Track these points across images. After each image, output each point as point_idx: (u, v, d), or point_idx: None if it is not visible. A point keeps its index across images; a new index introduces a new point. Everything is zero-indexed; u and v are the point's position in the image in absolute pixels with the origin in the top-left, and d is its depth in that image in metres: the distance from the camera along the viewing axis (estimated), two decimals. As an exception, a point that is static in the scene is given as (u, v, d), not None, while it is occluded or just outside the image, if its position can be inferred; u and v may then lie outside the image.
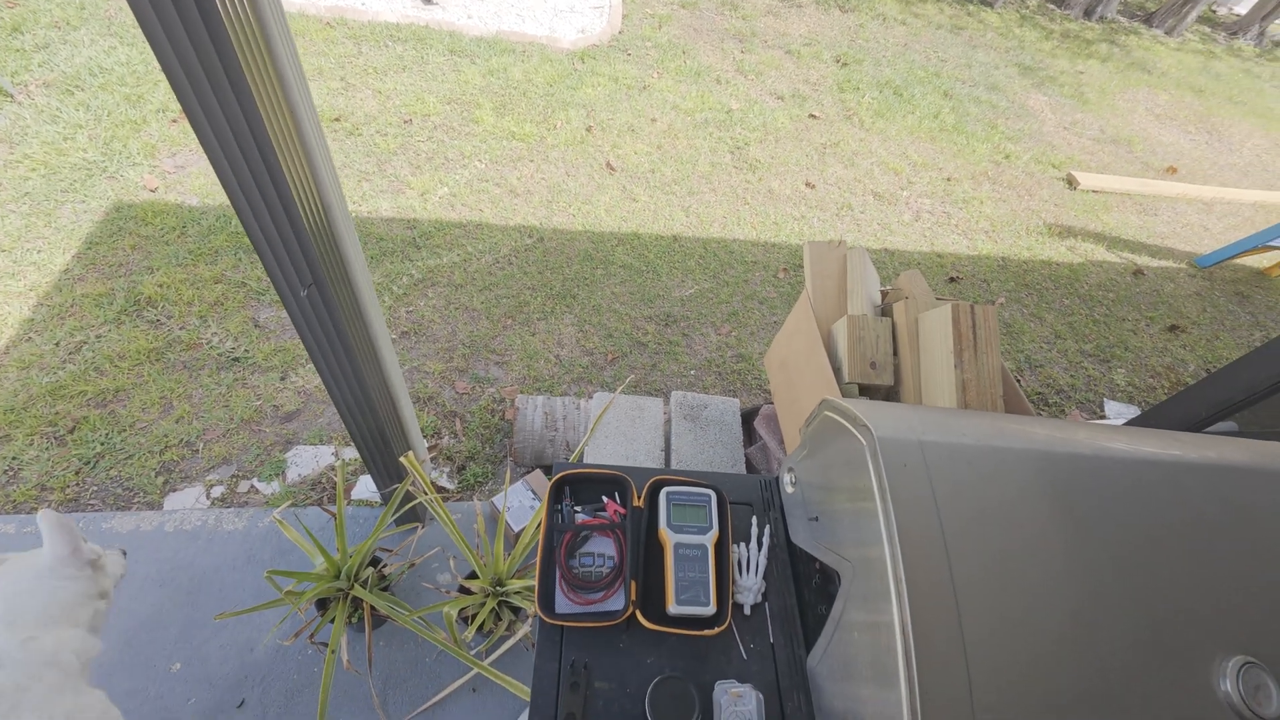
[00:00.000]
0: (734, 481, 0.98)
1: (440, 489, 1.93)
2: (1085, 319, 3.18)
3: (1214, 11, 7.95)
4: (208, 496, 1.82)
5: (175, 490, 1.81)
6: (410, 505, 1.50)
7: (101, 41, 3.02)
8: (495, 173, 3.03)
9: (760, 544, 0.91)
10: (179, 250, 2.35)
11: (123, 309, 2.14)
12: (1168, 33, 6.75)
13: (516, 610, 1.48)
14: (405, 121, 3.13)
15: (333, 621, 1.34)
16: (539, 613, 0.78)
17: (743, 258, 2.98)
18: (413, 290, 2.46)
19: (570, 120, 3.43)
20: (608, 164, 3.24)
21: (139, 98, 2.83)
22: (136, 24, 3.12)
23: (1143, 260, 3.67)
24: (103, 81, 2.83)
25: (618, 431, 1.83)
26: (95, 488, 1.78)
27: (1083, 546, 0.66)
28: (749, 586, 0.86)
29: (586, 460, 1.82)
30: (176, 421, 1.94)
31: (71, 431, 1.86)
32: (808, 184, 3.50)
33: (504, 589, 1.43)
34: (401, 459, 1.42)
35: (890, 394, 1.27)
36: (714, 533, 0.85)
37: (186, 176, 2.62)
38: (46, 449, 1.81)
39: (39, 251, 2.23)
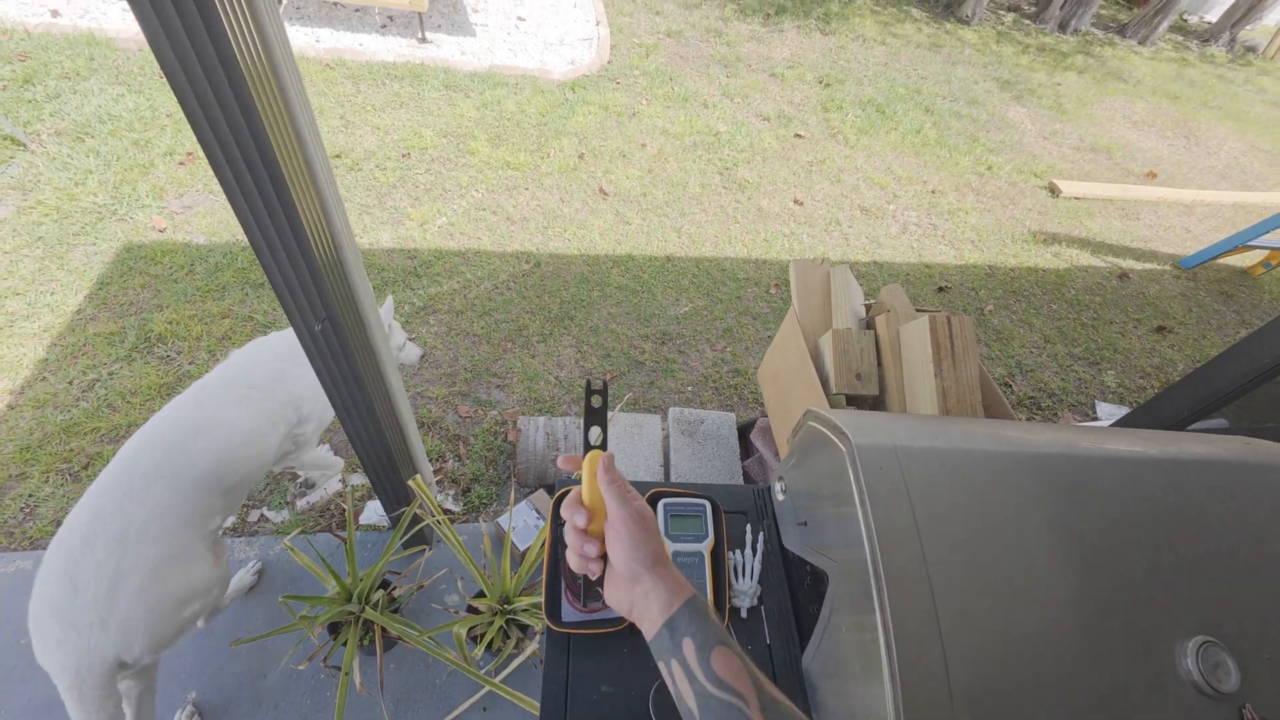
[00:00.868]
0: (728, 492, 1.03)
1: (447, 511, 1.97)
2: (1073, 323, 3.25)
3: (1185, 20, 8.18)
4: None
5: (187, 522, 1.85)
6: (418, 528, 1.54)
7: (110, 90, 3.14)
8: (492, 201, 3.12)
9: (755, 550, 0.96)
10: (187, 287, 2.42)
11: (134, 346, 2.21)
12: (1141, 43, 6.95)
13: (525, 628, 1.51)
14: (403, 155, 3.24)
15: (345, 645, 1.37)
16: (546, 621, 0.82)
17: (735, 275, 3.06)
18: (415, 318, 2.53)
19: (563, 148, 3.54)
20: (600, 189, 3.34)
21: (147, 142, 2.93)
22: (143, 72, 3.22)
23: (1127, 264, 3.76)
24: (112, 128, 2.94)
25: (618, 448, 1.88)
26: (110, 522, 1.82)
27: (1048, 538, 0.71)
28: (745, 590, 0.90)
29: (588, 478, 1.86)
30: (188, 454, 1.98)
31: (85, 467, 1.90)
32: (796, 201, 3.60)
33: (511, 607, 1.46)
34: (409, 482, 1.47)
35: (876, 403, 1.32)
36: (710, 540, 0.90)
37: (193, 216, 2.70)
38: (61, 485, 1.86)
39: (52, 293, 2.30)
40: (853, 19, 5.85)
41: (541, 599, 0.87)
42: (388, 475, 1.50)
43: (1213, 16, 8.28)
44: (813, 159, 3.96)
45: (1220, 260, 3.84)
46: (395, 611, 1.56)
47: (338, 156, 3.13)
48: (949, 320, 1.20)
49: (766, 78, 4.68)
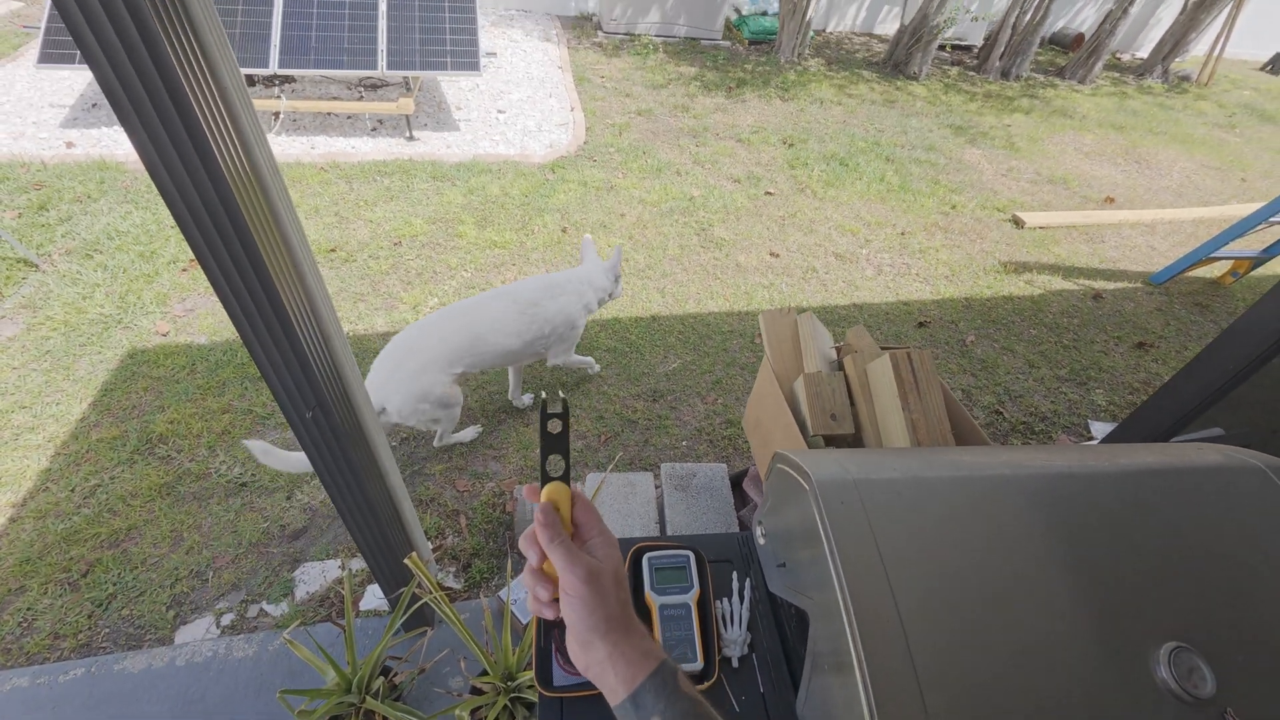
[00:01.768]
0: (712, 541, 1.05)
1: (447, 589, 1.95)
2: (1055, 346, 3.32)
3: (1119, 59, 8.78)
4: (218, 625, 1.83)
5: (186, 623, 1.83)
6: (417, 607, 1.53)
7: (119, 208, 3.35)
8: (481, 279, 3.26)
9: (742, 597, 0.97)
10: (189, 386, 2.50)
11: (135, 449, 2.25)
12: (1080, 82, 7.43)
13: (530, 705, 1.47)
14: (395, 244, 3.41)
15: (346, 738, 1.34)
16: (537, 688, 0.83)
17: (719, 328, 3.15)
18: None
19: (546, 224, 3.74)
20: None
21: (152, 253, 3.10)
22: (150, 190, 3.46)
23: (1099, 285, 3.87)
24: (119, 243, 3.12)
25: (612, 509, 1.89)
26: (108, 629, 1.80)
27: (1014, 559, 0.74)
28: (734, 639, 0.91)
29: (587, 542, 1.86)
30: (187, 553, 1.99)
31: (85, 575, 1.90)
32: (772, 254, 3.75)
33: (515, 683, 1.43)
34: (405, 561, 1.48)
35: (855, 441, 1.36)
36: (695, 590, 0.92)
37: (196, 318, 2.82)
38: (60, 596, 1.85)
39: (57, 404, 2.37)
40: (809, 85, 6.29)
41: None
42: (384, 556, 1.51)
43: (1143, 53, 8.90)
44: (784, 213, 4.16)
45: (1189, 273, 3.96)
46: (397, 699, 1.52)
47: (332, 250, 3.30)
48: (909, 356, 1.26)
49: (734, 143, 4.98)
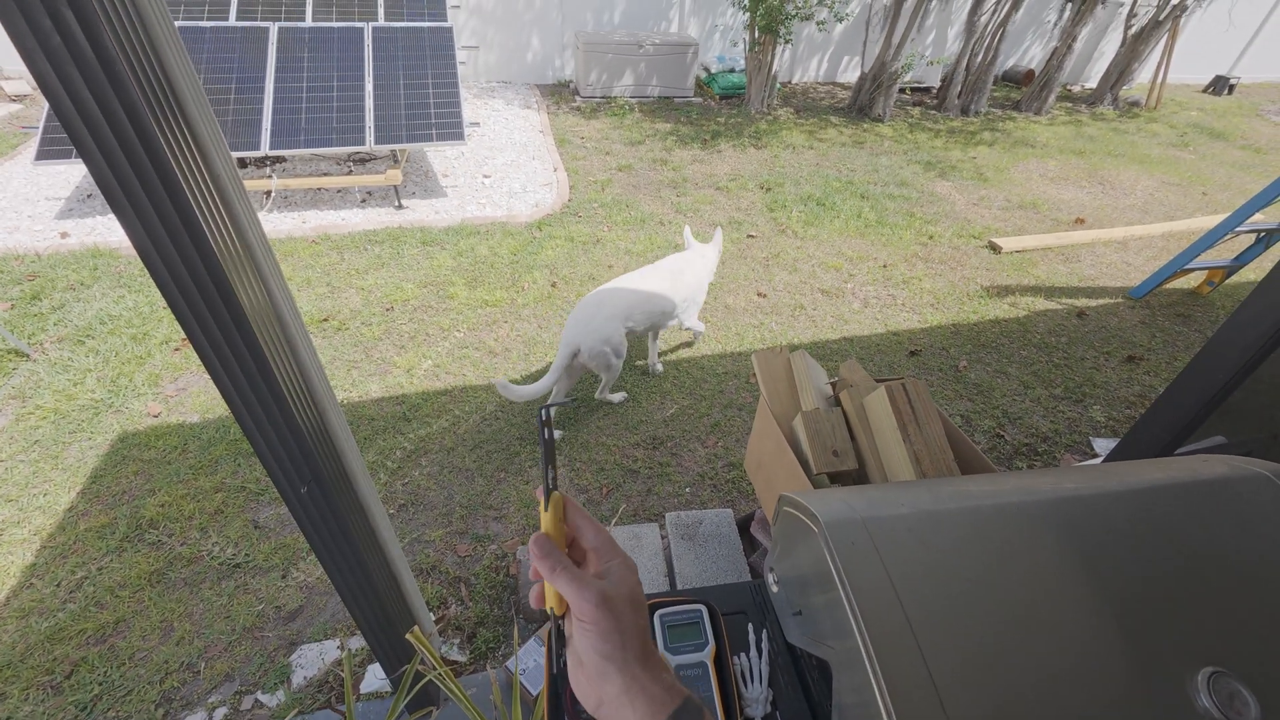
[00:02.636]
0: (724, 592, 1.02)
1: (452, 662, 1.86)
2: (1047, 365, 3.34)
3: (1069, 90, 9.28)
4: (210, 721, 1.73)
5: (176, 721, 1.73)
6: (421, 685, 1.46)
7: (112, 293, 3.38)
8: (474, 338, 3.28)
9: (760, 651, 0.93)
10: (180, 467, 2.45)
11: (124, 536, 2.19)
12: (1036, 113, 7.82)
13: (544, 786, 1.38)
14: (387, 310, 3.44)
15: (348, 840, 1.24)
16: (551, 767, 0.78)
17: (714, 371, 3.16)
18: (406, 462, 2.55)
19: (536, 280, 3.80)
20: (575, 311, 3.53)
21: (145, 335, 3.11)
22: (143, 273, 3.50)
23: (1081, 302, 3.94)
24: (111, 327, 3.13)
25: (620, 565, 1.83)
26: (91, 735, 1.69)
27: (1028, 585, 0.72)
28: (755, 698, 0.87)
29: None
30: (177, 644, 1.90)
31: (69, 676, 1.80)
32: (759, 294, 3.82)
33: (527, 762, 1.35)
34: (407, 636, 1.41)
35: (859, 476, 1.34)
36: (711, 647, 0.88)
37: (188, 396, 2.80)
38: (43, 700, 1.75)
39: (45, 495, 2.32)
40: (781, 132, 6.58)
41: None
42: (385, 632, 1.44)
43: (1092, 83, 9.42)
44: (768, 254, 4.26)
45: (1167, 285, 4.05)
46: (402, 790, 1.43)
47: (325, 320, 3.33)
48: (904, 387, 1.26)
49: (713, 192, 5.15)
